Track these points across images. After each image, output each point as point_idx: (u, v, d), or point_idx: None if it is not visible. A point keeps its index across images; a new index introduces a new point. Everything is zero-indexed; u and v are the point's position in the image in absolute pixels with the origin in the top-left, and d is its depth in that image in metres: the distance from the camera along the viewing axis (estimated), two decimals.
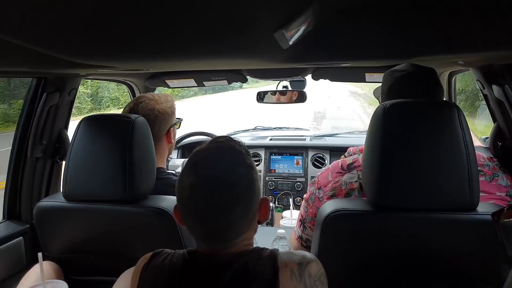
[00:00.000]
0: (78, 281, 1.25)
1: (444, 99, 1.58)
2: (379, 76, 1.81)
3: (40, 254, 1.06)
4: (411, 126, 0.95)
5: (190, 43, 0.71)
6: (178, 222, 0.80)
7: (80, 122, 1.20)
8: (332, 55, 1.06)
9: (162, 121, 1.40)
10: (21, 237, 1.45)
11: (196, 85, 2.17)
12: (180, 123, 1.54)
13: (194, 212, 0.73)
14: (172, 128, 1.45)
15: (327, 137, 2.65)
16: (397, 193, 0.95)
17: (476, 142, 1.45)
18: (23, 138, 1.49)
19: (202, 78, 2.07)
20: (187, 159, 0.79)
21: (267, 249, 0.76)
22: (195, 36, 0.65)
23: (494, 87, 1.27)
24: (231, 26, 0.58)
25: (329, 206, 1.03)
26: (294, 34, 0.60)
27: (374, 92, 1.63)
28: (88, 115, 1.24)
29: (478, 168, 1.12)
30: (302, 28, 0.58)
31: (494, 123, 1.40)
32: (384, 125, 0.95)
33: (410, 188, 0.94)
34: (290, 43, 0.62)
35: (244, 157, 0.76)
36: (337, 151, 2.40)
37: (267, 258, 0.73)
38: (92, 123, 1.19)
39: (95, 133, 1.17)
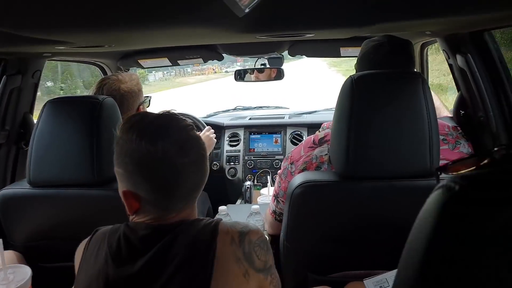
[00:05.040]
0: (48, 268, 1.23)
1: (416, 70, 1.59)
2: (354, 50, 1.80)
3: (0, 241, 1.02)
4: (377, 96, 0.96)
5: (144, 11, 0.68)
6: (131, 210, 0.77)
7: (44, 105, 1.16)
8: (294, 24, 1.05)
9: (129, 100, 1.37)
10: None
11: (171, 64, 2.12)
12: (150, 101, 1.51)
13: (165, 180, 0.73)
14: (141, 106, 1.42)
15: (305, 115, 2.65)
16: (362, 162, 0.96)
17: (446, 113, 1.47)
18: None
19: (176, 56, 2.03)
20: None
21: (211, 219, 0.78)
22: (148, 3, 0.62)
23: (458, 56, 1.28)
24: None
25: (297, 179, 1.04)
26: (249, 1, 0.57)
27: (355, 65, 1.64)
28: (53, 97, 1.20)
29: (442, 137, 1.14)
30: None
31: (458, 92, 1.42)
32: (351, 97, 0.96)
33: (374, 157, 0.96)
34: (246, 10, 0.59)
35: (186, 121, 0.78)
36: (315, 127, 2.40)
37: (209, 225, 0.75)
38: (58, 106, 1.15)
39: (60, 115, 1.14)
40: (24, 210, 1.17)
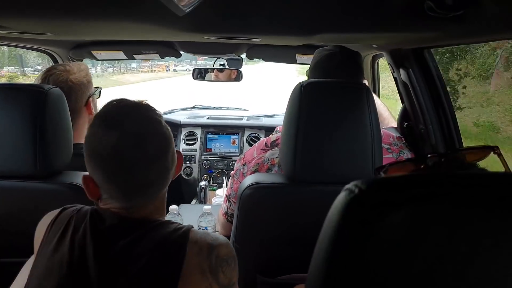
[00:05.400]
0: None
1: (366, 81, 1.66)
2: (309, 58, 1.84)
3: None
4: (323, 104, 1.00)
5: (81, 1, 0.66)
6: (90, 195, 0.76)
7: None
8: (239, 27, 1.06)
9: (78, 92, 1.31)
10: None
11: (126, 58, 2.06)
12: (100, 92, 1.46)
13: (123, 167, 0.70)
14: (91, 98, 1.37)
15: (264, 118, 2.68)
16: (308, 167, 0.99)
17: (393, 123, 1.55)
18: None
19: (131, 50, 1.98)
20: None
21: (181, 224, 0.76)
22: None
23: (401, 70, 1.36)
24: None
25: (247, 180, 1.06)
26: (189, 2, 0.58)
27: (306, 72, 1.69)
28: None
29: (387, 146, 1.20)
30: None
31: (402, 104, 1.50)
32: (300, 103, 0.99)
33: (320, 162, 0.99)
34: (186, 10, 0.60)
35: (157, 111, 0.76)
36: (271, 131, 2.43)
37: (179, 230, 0.73)
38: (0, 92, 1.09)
39: (2, 102, 1.07)
40: None
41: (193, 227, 0.76)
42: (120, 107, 0.74)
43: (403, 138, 1.29)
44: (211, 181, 2.41)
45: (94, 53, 1.99)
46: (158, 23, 0.91)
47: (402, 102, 1.51)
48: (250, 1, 0.70)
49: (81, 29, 1.17)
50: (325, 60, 1.23)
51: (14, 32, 1.14)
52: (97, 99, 1.46)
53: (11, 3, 0.71)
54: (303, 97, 0.99)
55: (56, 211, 0.78)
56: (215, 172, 2.41)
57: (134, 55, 2.03)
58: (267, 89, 14.24)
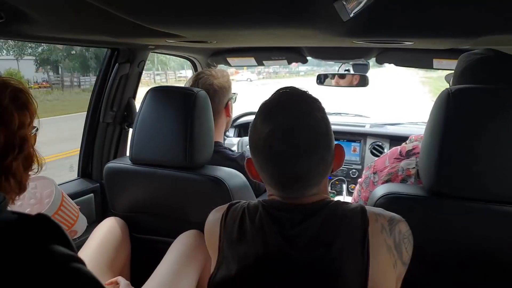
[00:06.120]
0: (138, 238, 1.37)
1: None
2: (448, 63, 1.69)
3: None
4: (475, 112, 0.90)
5: (253, 11, 0.72)
6: (251, 176, 0.81)
7: (147, 92, 1.28)
8: (395, 30, 1.02)
9: (220, 95, 1.45)
10: (91, 194, 1.60)
11: (256, 64, 2.19)
12: (236, 97, 1.59)
13: (273, 160, 0.72)
14: (229, 102, 1.51)
15: (388, 126, 2.54)
16: (453, 179, 0.91)
17: None
18: (97, 104, 1.64)
19: (262, 57, 2.09)
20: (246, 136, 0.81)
21: (351, 203, 0.76)
22: (257, 4, 0.66)
23: None
24: None
25: (381, 190, 1.01)
26: (356, 5, 0.58)
27: (446, 77, 1.54)
28: (155, 85, 1.32)
29: None
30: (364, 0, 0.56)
31: None
32: (447, 110, 0.92)
33: (468, 175, 0.90)
34: (351, 15, 0.60)
35: (317, 103, 0.76)
36: (398, 140, 2.29)
37: (356, 209, 0.73)
38: (159, 94, 1.27)
39: (160, 103, 1.25)
40: (124, 183, 1.32)
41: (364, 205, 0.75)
42: (279, 99, 0.76)
43: None
44: (330, 188, 2.39)
45: (229, 59, 2.17)
46: (322, 29, 0.93)
47: None
48: (415, 3, 0.67)
49: (241, 37, 1.28)
50: (475, 64, 1.10)
51: (182, 41, 1.31)
52: (233, 103, 1.59)
53: (189, 16, 0.82)
54: (451, 104, 0.91)
55: (223, 207, 0.83)
56: (334, 179, 2.38)
57: (263, 61, 2.14)
58: (388, 97, 13.47)
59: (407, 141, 1.27)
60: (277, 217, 0.74)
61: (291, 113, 0.72)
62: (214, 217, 0.83)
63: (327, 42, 1.30)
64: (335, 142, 0.78)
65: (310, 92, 0.77)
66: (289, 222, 0.72)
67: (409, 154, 1.13)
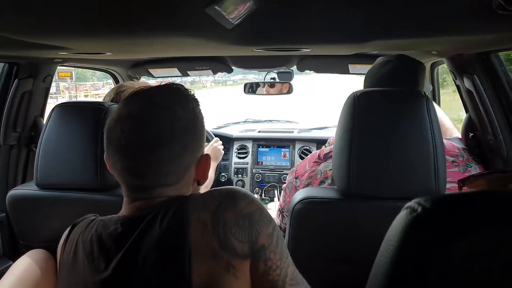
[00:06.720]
0: None
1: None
2: (363, 68, 1.78)
3: None
4: (379, 114, 0.95)
5: (136, 20, 0.69)
6: (107, 166, 0.72)
7: (52, 109, 1.19)
8: (288, 37, 1.04)
9: None
10: None
11: (181, 74, 2.15)
12: None
13: (116, 144, 0.66)
14: None
15: (315, 130, 2.63)
16: (364, 181, 0.94)
17: (456, 134, 1.43)
18: None
19: (185, 67, 2.05)
20: None
21: (183, 197, 0.66)
22: (133, 13, 0.63)
23: (465, 77, 1.26)
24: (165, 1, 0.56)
25: (299, 194, 1.03)
26: (237, 14, 0.57)
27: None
28: (61, 102, 1.23)
29: (452, 158, 1.11)
30: (244, 7, 0.55)
31: (466, 113, 1.38)
32: (354, 113, 0.95)
33: (377, 176, 0.93)
34: (235, 22, 0.59)
35: (188, 101, 0.69)
36: (324, 143, 2.38)
37: (177, 208, 0.62)
38: (66, 110, 1.18)
39: (68, 120, 1.16)
40: (32, 211, 1.19)
41: (191, 196, 0.66)
42: (146, 90, 0.70)
43: (469, 150, 1.18)
44: (263, 195, 2.40)
45: (151, 70, 2.10)
46: (208, 37, 0.93)
47: (466, 111, 1.39)
48: (298, 10, 0.68)
49: (135, 47, 1.23)
50: (378, 68, 1.17)
51: (76, 53, 1.23)
52: None
53: (72, 25, 0.76)
54: (357, 107, 0.95)
55: (66, 232, 0.76)
56: (267, 185, 2.40)
57: (188, 72, 2.10)
58: (319, 100, 14.05)
59: (326, 144, 1.31)
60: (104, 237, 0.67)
61: (149, 102, 0.67)
62: (59, 245, 0.76)
63: (227, 51, 1.30)
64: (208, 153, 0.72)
65: (192, 92, 0.72)
66: (120, 234, 0.65)
67: (326, 157, 1.16)
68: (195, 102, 0.71)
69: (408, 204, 0.30)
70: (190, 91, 0.72)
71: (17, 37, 0.83)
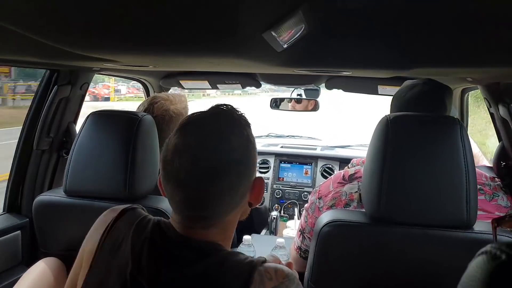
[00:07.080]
0: None
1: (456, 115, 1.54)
2: (392, 89, 1.77)
3: None
4: (412, 139, 0.94)
5: (186, 41, 0.71)
6: (161, 192, 0.73)
7: (87, 116, 1.20)
8: (330, 61, 1.05)
9: (176, 122, 1.39)
10: (18, 231, 1.42)
11: (210, 87, 2.17)
12: None
13: (174, 177, 0.66)
14: None
15: (338, 148, 2.61)
16: (394, 205, 0.93)
17: (484, 161, 1.40)
18: (31, 129, 1.49)
19: (216, 80, 2.08)
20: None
21: (248, 256, 0.68)
22: (190, 34, 0.65)
23: (500, 105, 1.23)
24: (220, 24, 0.57)
25: (325, 217, 1.01)
26: (289, 37, 0.59)
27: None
28: (97, 109, 1.23)
29: (479, 186, 1.08)
30: (296, 32, 0.56)
31: (499, 142, 1.35)
32: (386, 137, 0.94)
33: (407, 201, 0.92)
34: (285, 46, 0.60)
35: (242, 127, 0.70)
36: (347, 162, 2.35)
37: (245, 265, 0.65)
38: (100, 118, 1.19)
39: (101, 128, 1.17)
40: (58, 218, 1.19)
41: (264, 261, 0.68)
42: (200, 115, 0.71)
43: (497, 179, 1.15)
44: (282, 212, 2.38)
45: (182, 82, 2.13)
46: (257, 58, 0.94)
47: (500, 139, 1.36)
48: (344, 37, 0.69)
49: (181, 63, 1.25)
50: (405, 91, 1.16)
51: (121, 65, 1.25)
52: None
53: (129, 44, 0.79)
54: (390, 130, 0.94)
55: (115, 212, 0.78)
56: (286, 202, 2.38)
57: (217, 85, 2.13)
58: (341, 116, 13.94)
59: (349, 165, 1.30)
60: (159, 244, 0.68)
61: (205, 134, 0.67)
62: (102, 221, 0.78)
63: (268, 70, 1.31)
64: (259, 175, 0.73)
65: (243, 113, 0.72)
66: (174, 256, 0.66)
67: (351, 178, 1.15)
68: (247, 126, 0.72)
69: (485, 249, 0.29)
70: (241, 113, 0.72)
71: (71, 50, 0.86)
